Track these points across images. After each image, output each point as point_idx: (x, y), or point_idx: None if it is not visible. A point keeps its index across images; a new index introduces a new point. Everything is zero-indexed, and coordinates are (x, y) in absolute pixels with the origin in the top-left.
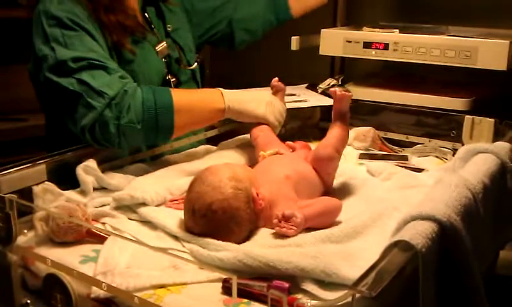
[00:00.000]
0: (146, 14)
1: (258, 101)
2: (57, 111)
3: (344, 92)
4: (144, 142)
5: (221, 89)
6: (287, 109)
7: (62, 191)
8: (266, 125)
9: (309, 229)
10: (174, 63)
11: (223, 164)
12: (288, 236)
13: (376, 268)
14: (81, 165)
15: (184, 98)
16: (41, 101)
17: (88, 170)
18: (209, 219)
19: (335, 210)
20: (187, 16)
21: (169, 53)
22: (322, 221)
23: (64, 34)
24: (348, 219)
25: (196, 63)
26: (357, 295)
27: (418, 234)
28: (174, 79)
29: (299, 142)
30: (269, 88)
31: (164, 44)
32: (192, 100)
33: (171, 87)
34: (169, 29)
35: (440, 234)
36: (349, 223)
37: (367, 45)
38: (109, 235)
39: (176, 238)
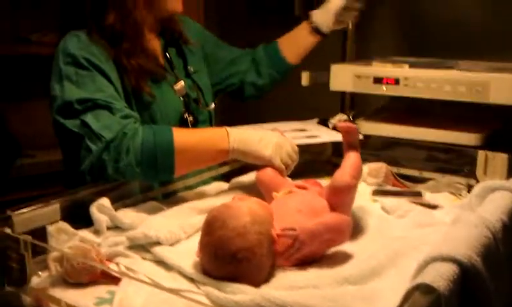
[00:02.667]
0: (167, 54)
1: (265, 142)
2: (67, 150)
3: (348, 124)
4: (145, 181)
5: (227, 128)
6: (298, 145)
7: (76, 230)
8: (272, 167)
9: (326, 268)
10: (192, 102)
11: (241, 201)
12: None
13: None
14: (95, 203)
15: (187, 138)
16: (58, 137)
17: (101, 209)
18: (233, 266)
19: (342, 223)
20: (205, 61)
21: (188, 93)
22: (330, 237)
23: (77, 73)
24: (365, 259)
25: (213, 104)
26: None
27: (440, 276)
28: (191, 118)
29: (310, 180)
30: (282, 124)
31: (181, 83)
32: (195, 140)
33: (189, 126)
34: (190, 70)
35: (461, 275)
36: (367, 263)
37: (378, 80)
38: (124, 276)
39: (191, 279)
